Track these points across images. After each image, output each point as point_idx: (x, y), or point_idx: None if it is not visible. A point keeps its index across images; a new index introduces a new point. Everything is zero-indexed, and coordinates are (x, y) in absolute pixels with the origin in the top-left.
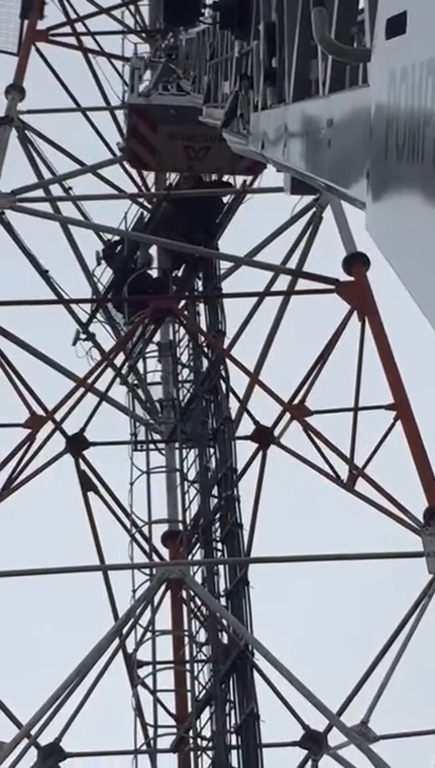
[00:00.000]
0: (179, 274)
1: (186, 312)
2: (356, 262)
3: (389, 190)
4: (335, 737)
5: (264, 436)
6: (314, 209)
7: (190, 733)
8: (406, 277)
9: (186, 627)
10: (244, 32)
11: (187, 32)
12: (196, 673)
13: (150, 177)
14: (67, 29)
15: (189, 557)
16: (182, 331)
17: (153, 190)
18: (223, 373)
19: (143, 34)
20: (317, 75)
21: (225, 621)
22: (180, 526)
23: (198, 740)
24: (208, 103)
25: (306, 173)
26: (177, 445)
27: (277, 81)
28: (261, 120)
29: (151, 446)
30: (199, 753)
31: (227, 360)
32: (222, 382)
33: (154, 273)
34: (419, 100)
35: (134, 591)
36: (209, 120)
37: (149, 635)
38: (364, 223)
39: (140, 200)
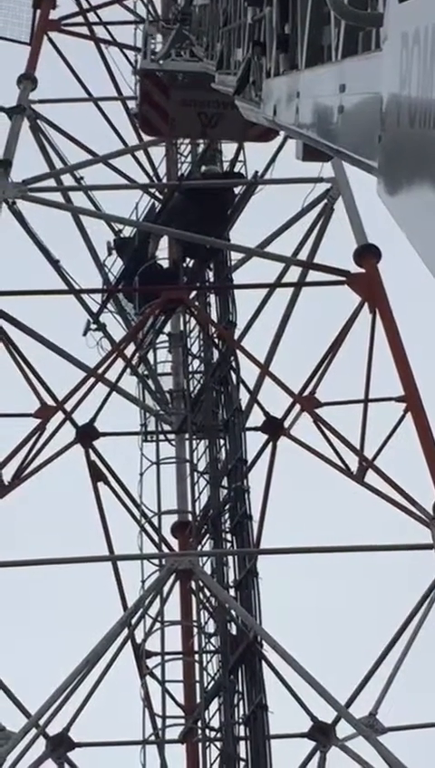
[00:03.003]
0: (190, 265)
1: (197, 303)
2: (367, 254)
3: (400, 156)
4: (344, 729)
5: (274, 428)
6: (325, 201)
7: (199, 723)
8: (417, 244)
9: (195, 617)
10: None
11: None
12: (204, 664)
13: (162, 168)
14: (79, 19)
15: (199, 548)
16: (193, 321)
17: (165, 180)
18: (233, 364)
19: (156, 21)
20: (330, 41)
21: (234, 612)
22: (190, 517)
23: (207, 731)
24: (221, 70)
25: (318, 139)
26: (187, 436)
27: (290, 47)
28: (273, 87)
29: (161, 436)
30: (208, 743)
31: (238, 352)
32: (232, 373)
33: (165, 264)
34: (432, 62)
35: (143, 582)
36: (222, 87)
37: (157, 625)
38: (375, 189)
39: (152, 190)
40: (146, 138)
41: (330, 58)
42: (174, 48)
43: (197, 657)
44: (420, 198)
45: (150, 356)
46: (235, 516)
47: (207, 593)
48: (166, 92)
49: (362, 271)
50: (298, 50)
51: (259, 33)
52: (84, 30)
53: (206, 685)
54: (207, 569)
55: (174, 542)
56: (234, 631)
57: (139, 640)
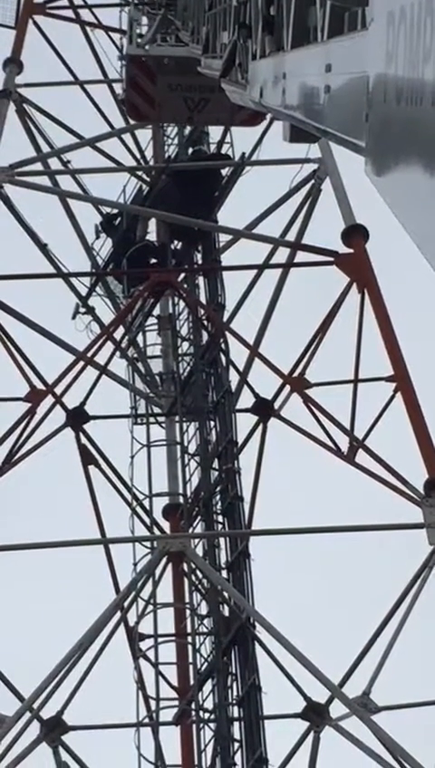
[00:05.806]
0: (178, 247)
1: (185, 286)
2: (355, 234)
3: (388, 134)
4: (337, 709)
5: (264, 409)
6: (312, 181)
7: (192, 705)
8: (406, 222)
9: (187, 600)
10: None
11: None
12: (197, 646)
13: (149, 150)
14: (64, 2)
15: (190, 530)
16: (182, 304)
17: (152, 163)
18: (223, 346)
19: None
20: (316, 22)
21: (226, 594)
22: (181, 499)
23: (201, 712)
24: (207, 54)
25: (305, 119)
26: (177, 418)
27: (276, 29)
28: (259, 69)
29: (152, 419)
30: (201, 725)
31: (227, 333)
32: (222, 355)
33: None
34: (417, 40)
35: (135, 565)
36: (208, 71)
37: (150, 608)
38: (363, 168)
39: (139, 173)
40: (133, 121)
41: (316, 39)
42: (159, 33)
43: (190, 638)
44: (407, 176)
45: (140, 339)
46: (226, 498)
47: (200, 575)
48: (152, 78)
49: (351, 251)
50: (284, 31)
51: (245, 16)
52: (70, 13)
53: (199, 666)
54: (199, 551)
55: (165, 525)
56: (226, 613)
57: (131, 623)
